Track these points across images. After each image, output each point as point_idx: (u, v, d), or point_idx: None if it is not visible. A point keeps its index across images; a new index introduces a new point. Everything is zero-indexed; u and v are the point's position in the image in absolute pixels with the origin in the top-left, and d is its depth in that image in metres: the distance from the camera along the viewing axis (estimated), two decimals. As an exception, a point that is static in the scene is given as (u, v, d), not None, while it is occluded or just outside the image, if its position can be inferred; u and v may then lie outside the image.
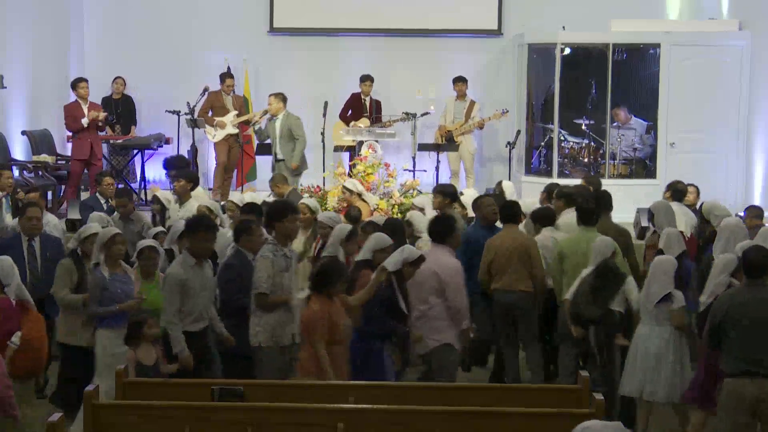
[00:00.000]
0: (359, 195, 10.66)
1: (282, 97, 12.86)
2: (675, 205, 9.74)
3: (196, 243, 7.18)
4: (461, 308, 7.65)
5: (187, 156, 13.05)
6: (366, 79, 14.08)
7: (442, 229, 7.82)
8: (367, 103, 14.08)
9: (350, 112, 14.07)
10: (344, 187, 10.98)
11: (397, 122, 13.62)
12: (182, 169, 10.85)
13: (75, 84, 12.99)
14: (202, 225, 7.34)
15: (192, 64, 14.93)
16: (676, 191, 10.35)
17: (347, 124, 13.85)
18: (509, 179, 13.71)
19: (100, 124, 12.95)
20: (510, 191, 10.74)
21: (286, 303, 7.23)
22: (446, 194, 9.79)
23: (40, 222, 8.38)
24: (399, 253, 7.21)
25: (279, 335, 7.18)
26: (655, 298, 7.32)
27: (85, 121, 12.66)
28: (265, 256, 7.20)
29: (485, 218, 9.00)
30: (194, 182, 10.43)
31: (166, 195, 10.50)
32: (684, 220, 9.70)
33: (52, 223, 9.41)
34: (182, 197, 10.10)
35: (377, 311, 7.12)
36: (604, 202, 9.26)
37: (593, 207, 8.66)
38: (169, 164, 11.85)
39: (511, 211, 8.77)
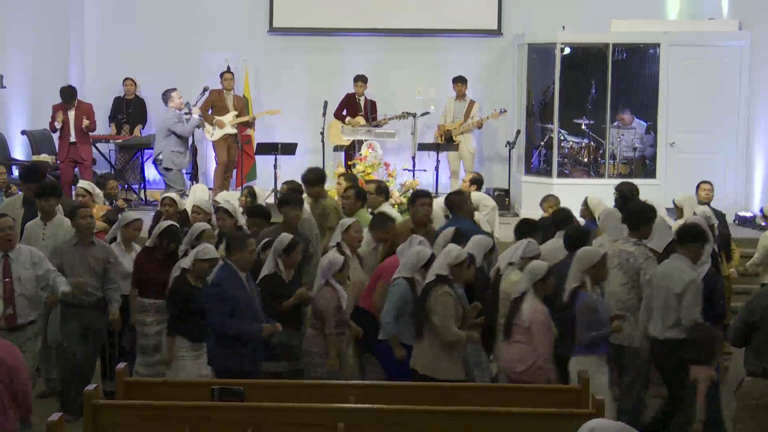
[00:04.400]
0: (92, 197, 9.91)
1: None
2: (476, 194, 10.26)
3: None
4: None
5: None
6: (359, 79, 14.10)
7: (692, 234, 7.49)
8: (362, 103, 14.11)
9: (345, 111, 14.10)
10: (81, 187, 10.09)
11: (392, 120, 13.67)
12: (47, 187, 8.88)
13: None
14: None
15: (192, 64, 14.93)
16: (476, 181, 10.99)
17: (343, 122, 13.91)
18: (509, 179, 13.78)
19: (84, 129, 12.91)
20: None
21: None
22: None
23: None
24: None
25: None
26: None
27: (57, 123, 12.68)
28: None
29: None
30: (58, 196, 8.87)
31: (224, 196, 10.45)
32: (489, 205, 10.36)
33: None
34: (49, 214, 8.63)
35: None
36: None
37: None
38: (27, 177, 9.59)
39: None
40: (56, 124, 12.70)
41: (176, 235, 8.07)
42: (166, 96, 13.12)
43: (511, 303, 6.99)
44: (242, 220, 9.02)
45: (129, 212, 8.94)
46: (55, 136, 13.22)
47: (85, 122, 12.71)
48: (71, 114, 12.71)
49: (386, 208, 9.56)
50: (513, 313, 6.94)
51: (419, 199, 8.77)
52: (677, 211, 9.79)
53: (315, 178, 9.67)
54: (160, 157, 12.89)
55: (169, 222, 8.28)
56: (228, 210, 8.91)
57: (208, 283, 7.27)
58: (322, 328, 7.19)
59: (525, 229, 8.12)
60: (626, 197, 9.31)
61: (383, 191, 9.71)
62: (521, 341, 6.87)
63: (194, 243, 7.78)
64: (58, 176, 12.95)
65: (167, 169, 12.92)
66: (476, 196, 10.04)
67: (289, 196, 8.96)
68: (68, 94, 12.82)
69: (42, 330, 7.88)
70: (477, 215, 9.19)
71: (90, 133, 13.07)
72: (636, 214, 7.90)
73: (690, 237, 7.21)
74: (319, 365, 7.18)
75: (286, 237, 7.60)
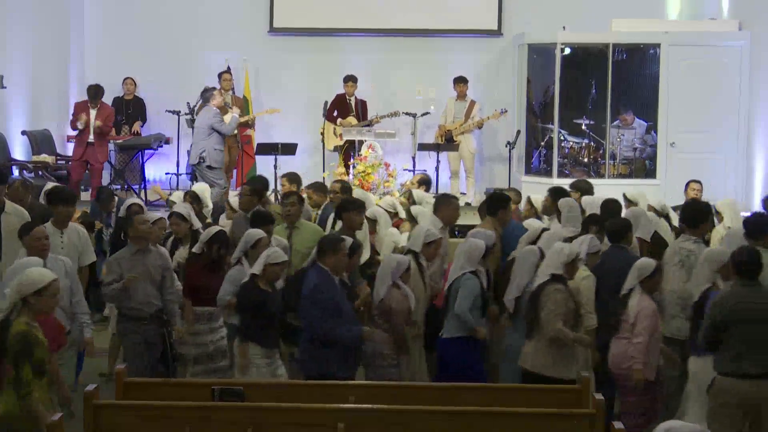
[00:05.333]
0: None
1: None
2: (418, 192, 10.30)
3: None
4: None
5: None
6: (349, 79, 14.09)
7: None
8: (353, 103, 14.11)
9: (336, 112, 14.09)
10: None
11: (384, 118, 13.71)
12: None
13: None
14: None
15: (192, 64, 14.93)
16: (424, 181, 11.14)
17: (334, 123, 13.91)
18: (509, 179, 13.76)
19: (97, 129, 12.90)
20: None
21: None
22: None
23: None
24: None
25: None
26: None
27: (80, 124, 12.74)
28: None
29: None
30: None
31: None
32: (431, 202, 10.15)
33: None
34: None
35: None
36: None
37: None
38: None
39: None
40: (79, 124, 12.73)
41: (226, 241, 7.92)
42: (206, 94, 12.93)
43: (620, 299, 7.11)
44: (197, 224, 8.74)
45: (150, 212, 8.76)
46: (58, 136, 13.24)
47: (97, 123, 12.73)
48: (92, 113, 12.76)
49: None
50: (620, 310, 7.03)
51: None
52: (628, 205, 9.79)
53: (261, 187, 9.65)
54: (204, 155, 12.62)
55: (218, 228, 8.11)
56: (182, 214, 8.65)
57: (277, 288, 7.26)
58: (392, 329, 7.18)
59: (590, 222, 8.23)
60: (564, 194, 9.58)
61: (348, 191, 9.65)
62: (628, 338, 6.95)
63: (248, 251, 7.64)
64: (60, 176, 12.96)
65: (210, 168, 12.60)
66: (418, 194, 10.08)
67: (349, 202, 8.58)
68: (94, 92, 12.89)
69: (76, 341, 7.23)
70: (417, 208, 9.18)
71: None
72: (694, 212, 8.14)
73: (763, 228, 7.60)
74: (392, 367, 7.17)
75: (347, 240, 7.53)
